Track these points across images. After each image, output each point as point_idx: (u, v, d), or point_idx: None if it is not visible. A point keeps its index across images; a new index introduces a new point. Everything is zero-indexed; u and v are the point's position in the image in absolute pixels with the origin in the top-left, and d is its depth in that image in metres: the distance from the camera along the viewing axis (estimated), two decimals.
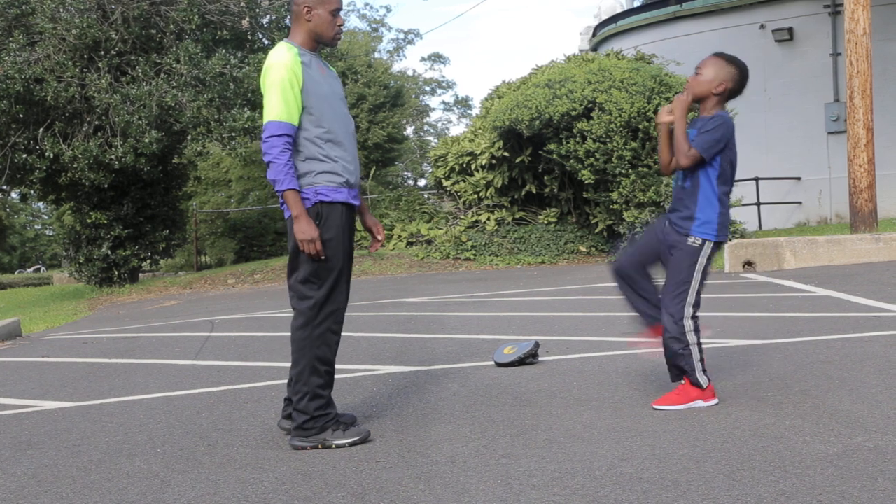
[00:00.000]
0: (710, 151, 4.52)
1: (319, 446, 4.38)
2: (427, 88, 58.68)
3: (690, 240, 4.56)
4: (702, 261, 4.58)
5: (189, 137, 17.44)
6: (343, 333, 8.02)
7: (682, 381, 4.62)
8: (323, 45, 4.58)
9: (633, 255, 4.73)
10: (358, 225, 11.99)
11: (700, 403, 4.61)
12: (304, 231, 4.30)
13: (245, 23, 17.79)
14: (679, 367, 4.59)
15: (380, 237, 4.77)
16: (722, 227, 4.62)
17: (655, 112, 14.29)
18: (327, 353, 4.44)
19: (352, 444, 4.37)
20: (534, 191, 17.13)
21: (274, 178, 4.32)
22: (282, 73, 4.34)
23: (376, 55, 50.56)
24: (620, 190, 14.32)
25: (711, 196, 4.57)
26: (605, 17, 25.51)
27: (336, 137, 4.45)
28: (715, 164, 4.56)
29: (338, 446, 4.36)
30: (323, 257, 4.36)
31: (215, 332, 9.27)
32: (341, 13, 4.58)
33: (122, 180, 17.77)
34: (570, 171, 15.39)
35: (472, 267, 16.52)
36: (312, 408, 4.40)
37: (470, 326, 8.35)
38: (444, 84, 60.31)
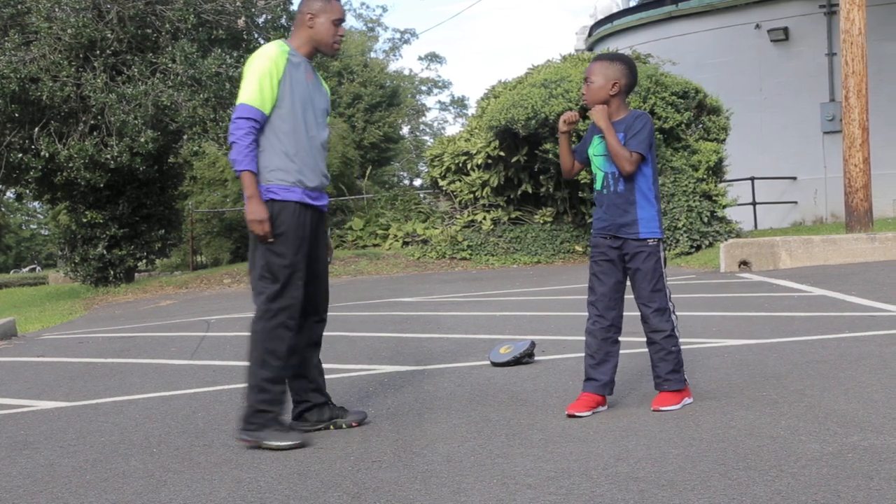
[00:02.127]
0: (647, 149, 4.57)
1: (259, 445, 4.41)
2: (423, 88, 58.66)
3: (647, 242, 4.59)
4: (662, 258, 4.64)
5: (185, 137, 17.43)
6: (340, 333, 8.06)
7: (665, 390, 4.63)
8: (321, 52, 4.68)
9: (604, 301, 4.66)
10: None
11: (688, 400, 4.65)
12: (254, 211, 4.40)
13: (241, 22, 17.79)
14: (671, 368, 4.59)
15: (328, 258, 4.83)
16: (661, 223, 4.69)
17: (651, 112, 14.30)
18: (279, 347, 4.47)
19: (286, 448, 4.37)
20: (529, 190, 17.13)
21: (234, 158, 4.43)
22: (263, 63, 4.47)
23: (372, 55, 50.55)
24: None
25: (648, 194, 4.62)
26: (600, 16, 25.52)
27: (299, 137, 4.51)
28: (649, 162, 4.61)
29: (272, 448, 4.38)
30: (271, 240, 4.42)
31: (211, 331, 9.26)
32: (343, 24, 4.66)
33: (117, 180, 17.75)
34: None
35: (468, 266, 16.53)
36: (258, 401, 4.44)
37: (466, 326, 8.35)
38: (440, 84, 60.21)
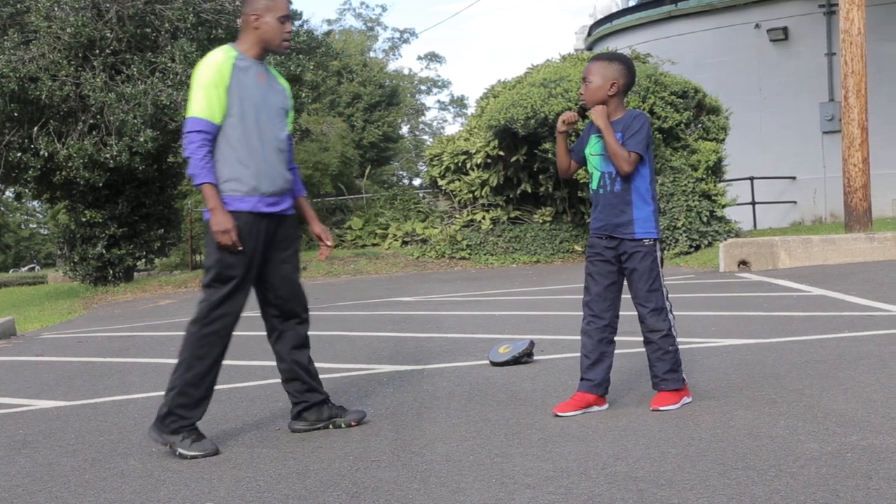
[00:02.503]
0: (645, 149, 4.58)
1: (168, 447, 4.42)
2: (422, 87, 58.70)
3: (643, 242, 4.60)
4: (658, 257, 4.64)
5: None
6: (338, 332, 8.03)
7: (663, 389, 4.63)
8: (271, 51, 4.64)
9: (599, 301, 4.65)
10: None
11: (686, 400, 4.65)
12: (219, 222, 4.36)
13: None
14: (669, 367, 4.60)
15: (329, 243, 4.83)
16: (657, 223, 4.69)
17: (650, 112, 14.29)
18: (209, 353, 4.48)
19: (194, 458, 4.37)
20: (529, 190, 17.13)
21: (191, 172, 4.41)
22: (209, 73, 4.42)
23: (372, 54, 50.56)
24: None
25: (645, 194, 4.61)
26: (600, 16, 25.52)
27: (251, 143, 4.46)
28: (646, 162, 4.61)
29: (181, 455, 4.37)
30: (241, 248, 4.39)
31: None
32: (290, 20, 4.60)
33: (116, 179, 17.74)
34: None
35: (468, 266, 16.53)
36: (175, 404, 4.44)
37: (465, 325, 8.35)
38: (439, 83, 60.24)
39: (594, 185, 4.68)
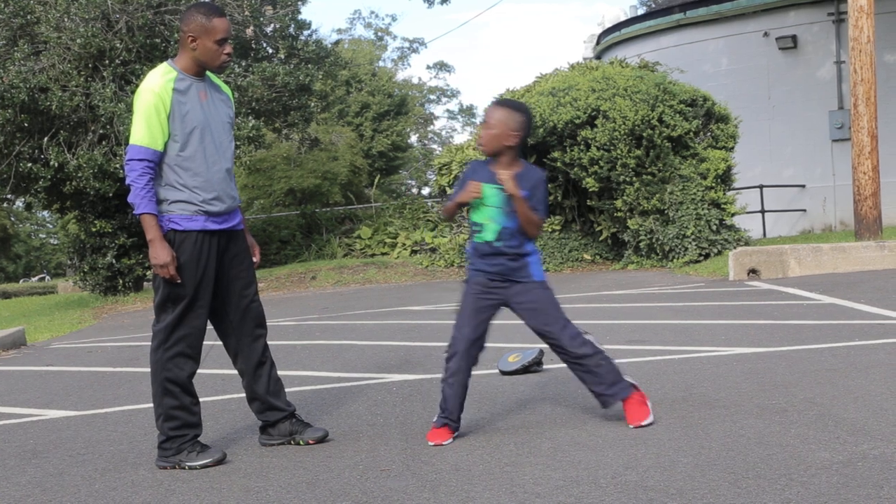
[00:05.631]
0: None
1: (176, 467, 4.41)
2: (431, 97, 58.79)
3: (540, 282, 4.66)
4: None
5: None
6: (348, 342, 8.03)
7: (628, 396, 4.58)
8: (210, 70, 4.59)
9: (471, 333, 4.68)
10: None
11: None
12: (157, 256, 4.35)
13: (249, 31, 17.84)
14: (612, 380, 4.59)
15: (255, 259, 4.78)
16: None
17: (659, 121, 14.27)
18: (179, 375, 4.46)
19: (203, 467, 4.38)
20: None
21: (132, 201, 4.39)
22: (149, 99, 4.37)
23: (381, 63, 50.68)
24: (625, 198, 14.32)
25: (532, 243, 4.64)
26: (608, 25, 25.52)
27: (197, 166, 4.44)
28: None
29: (190, 468, 4.38)
30: (179, 280, 4.38)
31: (219, 340, 9.26)
32: (228, 41, 4.53)
33: (126, 189, 17.73)
34: (574, 179, 15.40)
35: None
36: (167, 428, 4.44)
37: None
38: (448, 92, 60.31)
39: (490, 238, 4.57)
